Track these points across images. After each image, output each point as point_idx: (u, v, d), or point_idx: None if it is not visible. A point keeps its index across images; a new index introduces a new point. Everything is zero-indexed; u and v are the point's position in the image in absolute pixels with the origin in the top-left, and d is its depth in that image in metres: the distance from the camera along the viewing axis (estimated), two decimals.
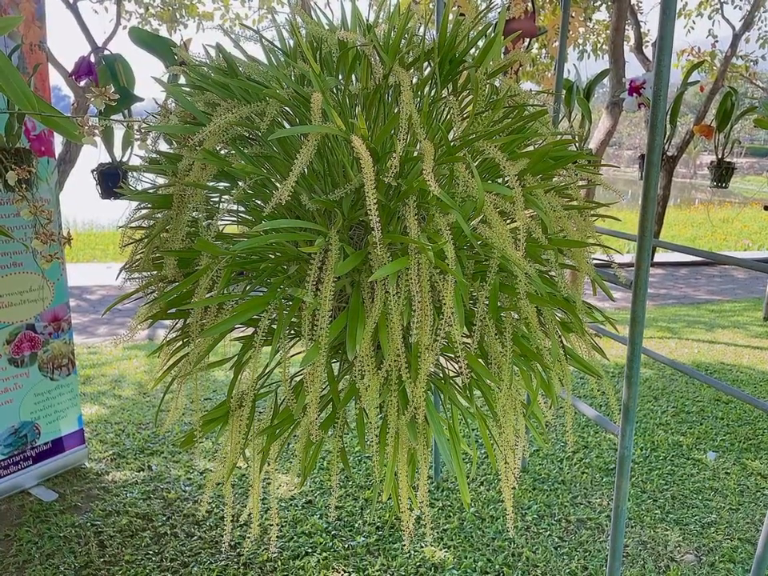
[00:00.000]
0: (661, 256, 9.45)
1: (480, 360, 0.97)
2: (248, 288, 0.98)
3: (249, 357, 0.96)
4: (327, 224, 0.93)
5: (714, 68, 8.94)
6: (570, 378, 1.13)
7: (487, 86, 1.09)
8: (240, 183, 0.94)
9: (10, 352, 2.58)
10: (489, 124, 1.05)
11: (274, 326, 1.02)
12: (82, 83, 1.96)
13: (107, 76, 2.00)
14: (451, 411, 1.19)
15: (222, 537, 2.45)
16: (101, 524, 2.49)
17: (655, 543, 2.45)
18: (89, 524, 2.48)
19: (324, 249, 0.87)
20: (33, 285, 2.60)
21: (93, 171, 2.15)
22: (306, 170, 1.03)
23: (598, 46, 8.63)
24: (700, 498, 2.77)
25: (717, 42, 9.04)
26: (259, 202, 1.09)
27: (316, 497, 2.71)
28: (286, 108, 0.98)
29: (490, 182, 1.07)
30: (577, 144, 2.64)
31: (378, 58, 0.98)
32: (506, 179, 1.08)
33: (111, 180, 2.08)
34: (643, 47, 8.21)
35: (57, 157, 5.02)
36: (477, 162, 1.07)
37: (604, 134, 4.79)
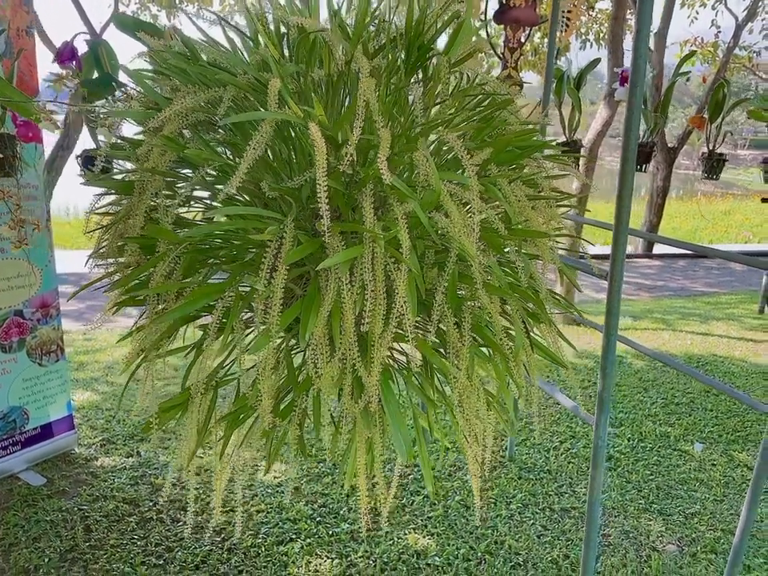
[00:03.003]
0: (659, 248, 9.43)
1: (441, 349, 0.97)
2: (208, 274, 0.98)
3: (207, 344, 0.97)
4: (291, 212, 0.93)
5: (717, 59, 8.87)
6: (535, 368, 1.13)
7: (457, 74, 1.09)
8: (201, 169, 0.94)
9: None
10: (453, 112, 1.04)
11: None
12: (65, 68, 1.95)
13: (91, 61, 1.99)
14: (422, 400, 1.19)
15: (209, 522, 2.47)
16: (87, 509, 2.51)
17: (638, 533, 2.47)
18: (76, 508, 2.50)
19: (280, 236, 0.87)
20: (21, 271, 2.60)
21: (77, 157, 2.15)
22: (272, 156, 1.03)
23: (601, 35, 8.56)
24: (685, 488, 2.78)
25: (720, 32, 8.96)
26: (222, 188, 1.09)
27: (302, 483, 2.73)
28: (248, 94, 0.98)
29: (457, 172, 1.07)
30: (567, 134, 2.63)
31: (340, 44, 0.97)
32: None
33: (93, 165, 2.07)
34: None
35: (56, 143, 4.99)
36: (443, 152, 1.07)
37: (601, 125, 4.76)
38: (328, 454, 1.05)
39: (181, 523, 2.45)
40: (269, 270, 0.86)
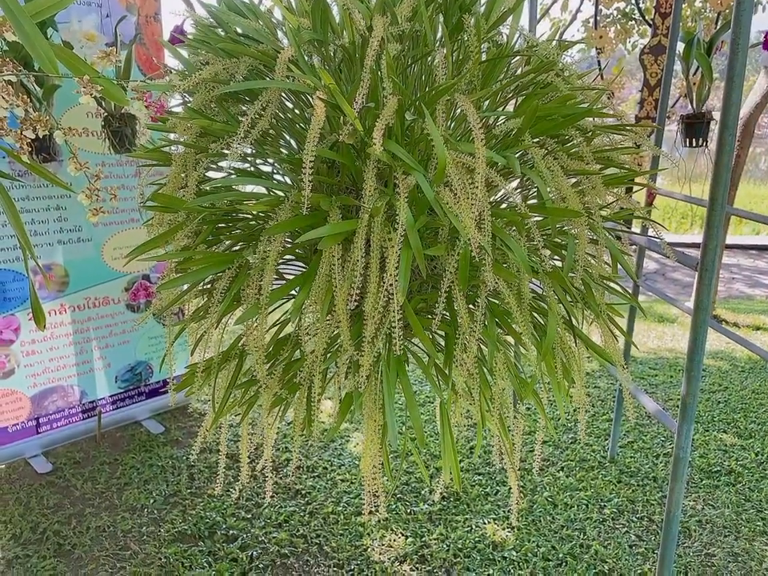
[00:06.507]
0: None
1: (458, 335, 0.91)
2: (228, 244, 1.01)
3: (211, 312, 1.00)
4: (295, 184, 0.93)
5: None
6: (579, 363, 1.02)
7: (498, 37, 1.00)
8: (221, 141, 0.95)
9: (128, 298, 2.89)
10: (481, 77, 0.95)
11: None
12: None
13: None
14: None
15: (297, 485, 2.59)
16: (194, 459, 2.73)
17: (748, 557, 2.19)
18: (184, 457, 2.74)
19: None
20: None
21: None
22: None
23: None
24: None
25: None
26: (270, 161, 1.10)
27: (389, 459, 2.75)
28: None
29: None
30: (694, 106, 2.34)
31: (357, 8, 0.93)
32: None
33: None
34: None
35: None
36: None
37: (760, 96, 4.20)
38: (330, 433, 1.03)
39: (272, 483, 2.58)
40: (268, 243, 0.86)
